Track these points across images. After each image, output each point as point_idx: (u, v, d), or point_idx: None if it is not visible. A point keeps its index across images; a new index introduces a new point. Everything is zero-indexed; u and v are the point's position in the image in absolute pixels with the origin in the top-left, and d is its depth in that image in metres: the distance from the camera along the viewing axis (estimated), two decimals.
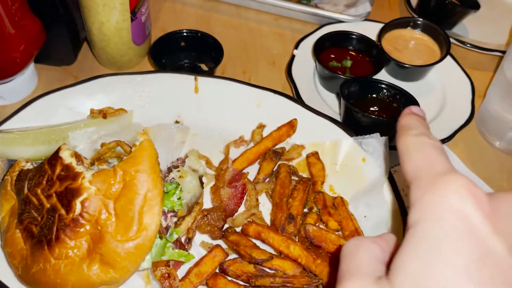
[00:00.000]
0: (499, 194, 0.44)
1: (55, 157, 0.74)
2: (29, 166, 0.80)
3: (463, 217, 0.40)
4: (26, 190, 0.75)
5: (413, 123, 0.55)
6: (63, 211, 0.70)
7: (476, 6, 1.32)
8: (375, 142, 0.96)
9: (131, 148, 0.76)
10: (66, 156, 0.73)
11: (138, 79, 1.06)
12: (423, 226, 0.41)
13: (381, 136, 0.96)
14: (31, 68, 1.12)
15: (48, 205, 0.72)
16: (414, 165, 0.47)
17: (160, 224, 0.74)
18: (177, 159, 0.93)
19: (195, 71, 1.22)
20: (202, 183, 0.90)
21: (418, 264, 0.40)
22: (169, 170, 0.88)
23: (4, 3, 0.94)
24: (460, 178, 0.42)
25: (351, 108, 1.03)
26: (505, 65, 1.05)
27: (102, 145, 0.83)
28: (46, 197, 0.72)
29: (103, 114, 1.00)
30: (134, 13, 1.11)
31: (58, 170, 0.72)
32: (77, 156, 0.75)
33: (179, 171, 0.86)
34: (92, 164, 0.79)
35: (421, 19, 1.26)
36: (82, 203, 0.70)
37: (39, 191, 0.73)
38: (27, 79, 1.12)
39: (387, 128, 1.02)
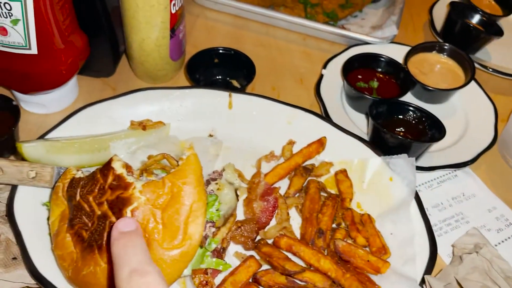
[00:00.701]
0: None
1: (107, 168, 0.79)
2: (80, 174, 0.85)
3: None
4: (78, 197, 0.80)
5: (124, 253, 0.52)
6: (114, 218, 0.75)
7: (500, 33, 1.36)
8: (403, 162, 1.00)
9: (177, 161, 0.81)
10: (118, 167, 0.78)
11: (176, 93, 1.11)
12: None
13: (408, 156, 1.01)
14: (73, 80, 1.18)
15: (99, 212, 0.77)
16: None
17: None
18: (213, 172, 0.97)
19: (227, 87, 1.27)
20: (237, 196, 0.94)
21: None
22: (208, 182, 0.92)
23: (57, 21, 1.00)
24: None
25: (379, 129, 1.07)
26: None
27: (149, 157, 0.88)
28: (98, 204, 0.77)
29: (143, 126, 1.05)
30: (173, 30, 1.16)
31: (110, 179, 0.77)
32: (128, 167, 0.80)
33: (217, 183, 0.91)
34: (140, 175, 0.83)
35: (447, 44, 1.30)
36: (132, 211, 0.74)
37: (91, 198, 0.78)
38: (69, 90, 1.18)
39: (414, 149, 1.06)
